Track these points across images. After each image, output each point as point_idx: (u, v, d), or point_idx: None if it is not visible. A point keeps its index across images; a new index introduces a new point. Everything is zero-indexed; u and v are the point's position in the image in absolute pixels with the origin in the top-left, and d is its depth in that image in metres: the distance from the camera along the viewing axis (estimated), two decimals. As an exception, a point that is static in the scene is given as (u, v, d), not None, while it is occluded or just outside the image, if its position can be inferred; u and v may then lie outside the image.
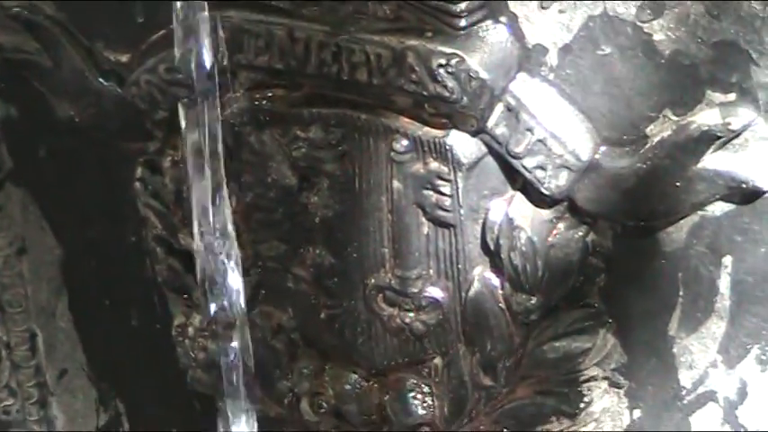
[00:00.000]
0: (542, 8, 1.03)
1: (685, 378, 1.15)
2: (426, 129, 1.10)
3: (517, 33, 1.05)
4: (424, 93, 1.07)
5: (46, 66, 1.23)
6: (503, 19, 1.05)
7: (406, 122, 1.10)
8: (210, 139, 1.14)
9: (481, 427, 1.24)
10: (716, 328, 1.12)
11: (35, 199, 1.34)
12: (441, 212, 1.12)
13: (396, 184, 1.13)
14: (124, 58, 1.20)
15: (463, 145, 1.10)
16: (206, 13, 1.12)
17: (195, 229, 1.18)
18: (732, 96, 1.02)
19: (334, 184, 1.16)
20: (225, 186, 1.15)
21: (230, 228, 1.17)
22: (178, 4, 1.08)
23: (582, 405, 1.19)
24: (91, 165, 1.28)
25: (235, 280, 1.19)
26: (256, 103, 1.15)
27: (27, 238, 1.37)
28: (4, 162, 1.32)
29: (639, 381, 1.17)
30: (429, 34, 1.06)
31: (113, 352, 1.41)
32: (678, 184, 1.06)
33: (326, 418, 1.28)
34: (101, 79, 1.21)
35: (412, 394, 1.22)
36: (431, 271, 1.16)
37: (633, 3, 1.01)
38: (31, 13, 1.21)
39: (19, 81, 1.26)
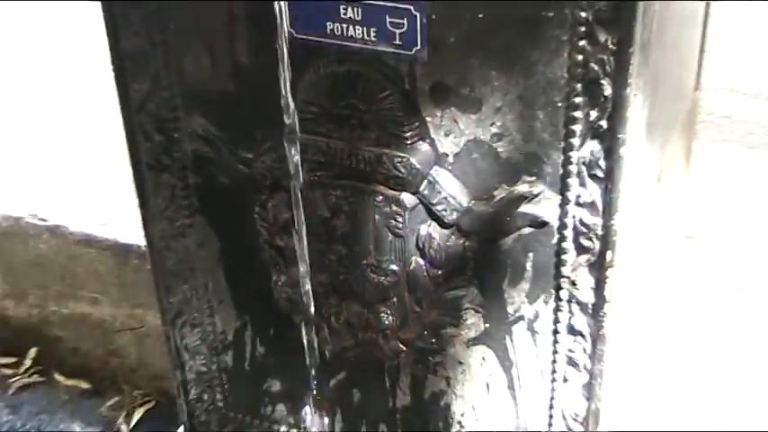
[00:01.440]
0: (446, 135, 1.10)
1: (510, 309, 1.20)
2: (392, 191, 1.16)
3: (434, 146, 1.12)
4: (390, 174, 1.14)
5: (212, 158, 1.25)
6: (428, 140, 1.12)
7: (382, 188, 1.16)
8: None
9: (413, 335, 1.26)
10: (525, 285, 1.17)
11: (208, 221, 1.33)
12: (397, 230, 1.19)
13: (377, 217, 1.18)
14: (251, 155, 1.22)
15: (408, 199, 1.16)
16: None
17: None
18: (534, 178, 1.08)
19: (347, 216, 1.20)
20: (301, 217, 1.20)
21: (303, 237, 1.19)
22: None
23: (461, 321, 1.23)
24: (234, 204, 1.28)
25: (303, 261, 1.22)
26: (311, 177, 1.18)
27: (204, 239, 1.34)
28: (194, 202, 1.31)
29: (488, 310, 1.21)
30: (393, 146, 1.12)
31: (245, 291, 1.36)
32: (508, 218, 1.12)
33: (343, 327, 1.31)
34: (240, 165, 1.24)
35: (383, 316, 1.27)
36: (392, 257, 1.21)
37: (488, 131, 1.06)
38: (208, 133, 1.23)
39: (200, 164, 1.27)
